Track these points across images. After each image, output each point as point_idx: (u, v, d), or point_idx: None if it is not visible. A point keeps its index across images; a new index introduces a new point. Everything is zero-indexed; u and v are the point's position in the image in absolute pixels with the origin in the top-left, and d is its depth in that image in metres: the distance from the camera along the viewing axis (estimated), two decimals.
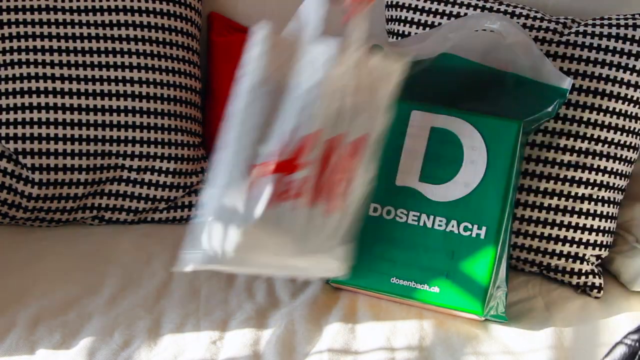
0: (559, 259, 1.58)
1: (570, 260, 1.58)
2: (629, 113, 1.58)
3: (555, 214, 1.57)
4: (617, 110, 1.58)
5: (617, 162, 1.58)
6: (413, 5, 1.67)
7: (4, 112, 1.58)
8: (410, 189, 1.47)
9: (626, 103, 1.58)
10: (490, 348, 1.38)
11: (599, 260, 1.60)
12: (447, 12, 1.65)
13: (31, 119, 1.58)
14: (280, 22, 1.63)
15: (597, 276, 1.58)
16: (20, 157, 1.57)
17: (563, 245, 1.57)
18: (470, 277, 1.43)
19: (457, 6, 1.65)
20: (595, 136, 1.57)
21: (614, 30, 1.59)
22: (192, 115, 1.69)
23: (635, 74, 1.57)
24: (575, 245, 1.57)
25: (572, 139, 1.57)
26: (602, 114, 1.58)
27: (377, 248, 1.46)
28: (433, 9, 1.66)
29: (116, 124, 1.62)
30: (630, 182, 1.63)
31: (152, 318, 1.36)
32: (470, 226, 1.45)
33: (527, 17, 1.63)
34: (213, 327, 1.35)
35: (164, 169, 1.65)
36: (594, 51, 1.58)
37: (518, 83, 1.50)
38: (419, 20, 1.66)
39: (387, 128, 1.44)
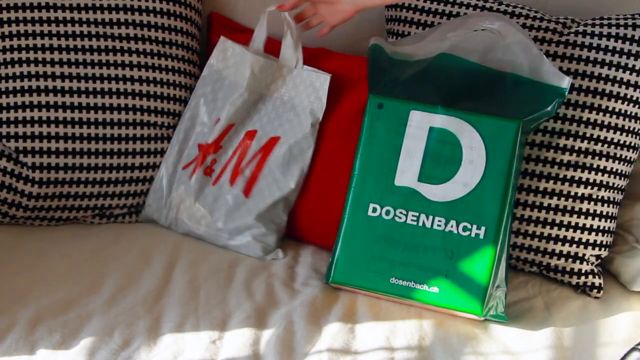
0: (559, 259, 1.58)
1: (570, 260, 1.58)
2: (629, 113, 1.58)
3: (555, 214, 1.57)
4: (617, 110, 1.58)
5: (617, 162, 1.58)
6: (413, 5, 1.67)
7: (4, 111, 1.58)
8: (409, 189, 1.47)
9: (626, 103, 1.57)
10: (490, 348, 1.38)
11: (599, 260, 1.60)
12: (447, 12, 1.65)
13: (31, 117, 1.58)
14: (280, 22, 1.64)
15: (597, 276, 1.58)
16: (20, 156, 1.58)
17: (563, 245, 1.57)
18: (469, 277, 1.43)
19: (457, 6, 1.65)
20: (595, 136, 1.57)
21: (613, 30, 1.59)
22: None
23: (635, 74, 1.57)
24: (575, 245, 1.57)
25: (572, 139, 1.57)
26: (602, 114, 1.58)
27: (377, 248, 1.46)
28: (433, 9, 1.66)
29: (116, 122, 1.62)
30: (630, 182, 1.63)
31: (152, 318, 1.36)
32: (469, 226, 1.45)
33: (527, 17, 1.63)
34: (212, 326, 1.35)
35: None
36: (593, 51, 1.58)
37: (517, 83, 1.49)
38: (419, 20, 1.66)
39: (383, 129, 1.46)
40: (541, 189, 1.57)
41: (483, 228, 1.44)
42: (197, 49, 1.74)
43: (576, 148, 1.57)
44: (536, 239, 1.58)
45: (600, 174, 1.57)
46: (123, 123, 1.63)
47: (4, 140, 1.57)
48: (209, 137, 1.63)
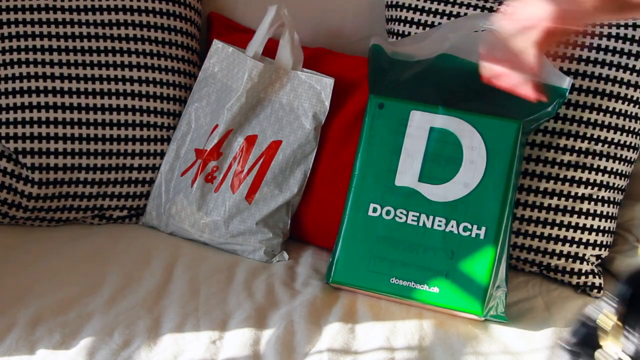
0: (559, 259, 1.58)
1: (570, 260, 1.58)
2: (629, 113, 1.58)
3: (555, 214, 1.57)
4: (617, 110, 1.58)
5: (617, 162, 1.58)
6: (413, 5, 1.67)
7: (3, 112, 1.58)
8: (409, 189, 1.47)
9: (626, 103, 1.58)
10: (490, 348, 1.38)
11: (599, 260, 1.60)
12: (447, 12, 1.65)
13: (31, 118, 1.58)
14: (279, 21, 1.63)
15: (597, 276, 1.58)
16: (20, 156, 1.57)
17: (563, 245, 1.57)
18: (470, 277, 1.43)
19: (457, 6, 1.65)
20: (595, 136, 1.57)
21: (614, 30, 1.59)
22: None
23: (635, 74, 1.57)
24: (575, 245, 1.57)
25: (572, 139, 1.57)
26: (602, 114, 1.58)
27: (377, 248, 1.46)
28: (433, 9, 1.66)
29: (116, 122, 1.62)
30: (630, 182, 1.63)
31: (152, 318, 1.36)
32: (469, 226, 1.45)
33: None
34: (213, 326, 1.35)
35: None
36: (593, 51, 1.58)
37: None
38: (419, 20, 1.66)
39: (383, 129, 1.46)
40: (541, 189, 1.57)
41: (483, 228, 1.44)
42: (197, 49, 1.74)
43: (576, 148, 1.57)
44: (536, 239, 1.58)
45: (600, 174, 1.58)
46: (122, 124, 1.63)
47: (3, 141, 1.57)
48: (207, 142, 1.62)
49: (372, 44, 1.56)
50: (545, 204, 1.57)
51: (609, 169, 1.58)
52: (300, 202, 1.63)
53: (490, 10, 1.65)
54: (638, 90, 1.58)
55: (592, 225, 1.58)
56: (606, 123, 1.58)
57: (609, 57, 1.58)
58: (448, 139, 1.47)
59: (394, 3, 1.70)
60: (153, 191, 1.65)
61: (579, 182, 1.57)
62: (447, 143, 1.47)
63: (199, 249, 1.59)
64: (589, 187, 1.57)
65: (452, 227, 1.45)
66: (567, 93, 1.47)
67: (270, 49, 1.65)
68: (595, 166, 1.57)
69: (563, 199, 1.57)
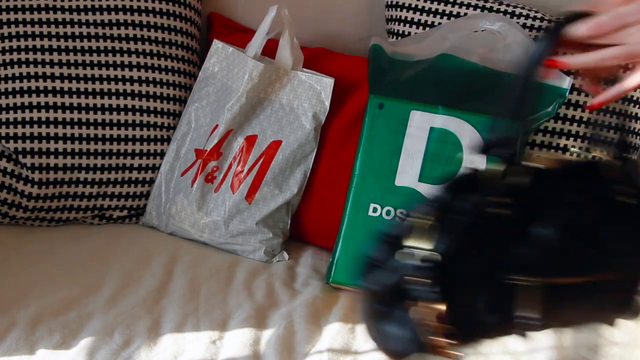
0: None
1: None
2: (628, 113, 1.58)
3: None
4: (617, 110, 1.58)
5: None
6: (413, 5, 1.67)
7: (3, 112, 1.58)
8: (409, 189, 1.47)
9: (626, 103, 1.57)
10: (490, 348, 1.38)
11: None
12: (447, 12, 1.65)
13: (31, 118, 1.58)
14: (279, 21, 1.63)
15: None
16: (20, 156, 1.57)
17: None
18: None
19: (457, 6, 1.65)
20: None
21: None
22: None
23: None
24: None
25: (572, 139, 1.57)
26: (602, 113, 1.57)
27: None
28: (433, 9, 1.66)
29: (116, 122, 1.62)
30: None
31: (152, 318, 1.36)
32: None
33: (527, 17, 1.63)
34: (213, 326, 1.35)
35: None
36: None
37: None
38: (419, 20, 1.66)
39: (383, 129, 1.46)
40: None
41: None
42: (197, 49, 1.74)
43: (576, 148, 1.57)
44: None
45: None
46: (122, 124, 1.63)
47: (3, 141, 1.57)
48: (207, 142, 1.62)
49: (372, 44, 1.56)
50: None
51: None
52: (300, 202, 1.63)
53: (490, 10, 1.65)
54: (638, 90, 1.57)
55: None
56: (606, 123, 1.57)
57: None
58: (448, 139, 1.47)
59: (394, 3, 1.70)
60: (153, 191, 1.65)
61: None
62: (447, 143, 1.47)
63: (199, 249, 1.59)
64: None
65: None
66: (567, 93, 1.47)
67: (270, 49, 1.65)
68: None
69: None
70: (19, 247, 1.54)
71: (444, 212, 0.96)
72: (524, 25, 1.62)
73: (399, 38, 1.68)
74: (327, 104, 1.61)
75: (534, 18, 1.63)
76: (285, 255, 1.60)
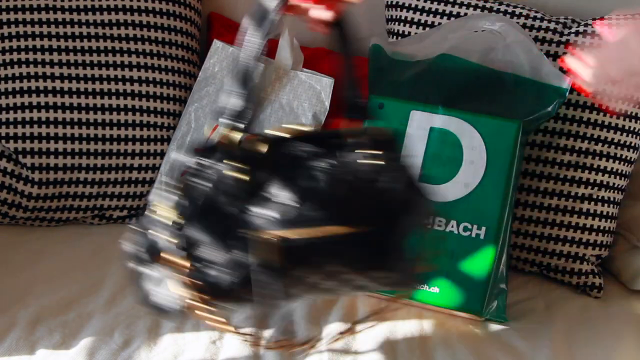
0: (559, 259, 1.58)
1: (570, 260, 1.58)
2: (629, 113, 1.58)
3: (555, 214, 1.57)
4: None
5: (617, 162, 1.58)
6: (413, 5, 1.67)
7: (3, 112, 1.58)
8: None
9: (626, 103, 1.57)
10: (490, 348, 1.38)
11: (599, 260, 1.60)
12: (447, 12, 1.65)
13: (31, 118, 1.58)
14: (279, 21, 1.63)
15: (597, 276, 1.58)
16: (20, 156, 1.57)
17: (563, 245, 1.57)
18: (470, 277, 1.43)
19: (457, 6, 1.65)
20: (595, 136, 1.57)
21: None
22: None
23: None
24: (575, 245, 1.57)
25: (572, 139, 1.57)
26: (602, 113, 1.58)
27: None
28: (433, 9, 1.66)
29: (116, 122, 1.62)
30: (630, 182, 1.63)
31: (152, 318, 1.36)
32: (470, 226, 1.45)
33: (527, 17, 1.63)
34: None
35: None
36: None
37: (518, 83, 1.50)
38: (419, 20, 1.66)
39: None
40: (541, 189, 1.57)
41: (483, 228, 1.44)
42: (197, 49, 1.74)
43: (576, 148, 1.57)
44: (536, 239, 1.58)
45: (600, 174, 1.58)
46: (122, 124, 1.63)
47: (3, 141, 1.57)
48: (207, 142, 1.62)
49: (373, 44, 1.56)
50: (545, 204, 1.57)
51: (609, 169, 1.58)
52: None
53: (490, 10, 1.65)
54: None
55: (592, 225, 1.58)
56: (606, 123, 1.58)
57: None
58: (448, 139, 1.47)
59: (394, 3, 1.70)
60: (152, 192, 1.65)
61: (579, 182, 1.57)
62: (447, 143, 1.47)
63: None
64: (589, 187, 1.57)
65: (452, 227, 1.45)
66: (567, 93, 1.47)
67: (270, 49, 1.65)
68: (595, 166, 1.57)
69: (563, 199, 1.57)
70: (19, 247, 1.54)
71: (189, 178, 1.09)
72: (524, 25, 1.62)
73: (399, 38, 1.68)
74: (327, 104, 1.61)
75: (534, 18, 1.63)
76: None
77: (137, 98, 1.64)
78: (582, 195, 1.57)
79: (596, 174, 1.57)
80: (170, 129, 1.66)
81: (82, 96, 1.61)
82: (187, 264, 1.06)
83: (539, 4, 1.71)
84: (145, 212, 1.11)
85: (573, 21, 1.64)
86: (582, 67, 1.18)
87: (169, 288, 1.08)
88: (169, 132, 1.66)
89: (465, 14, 1.64)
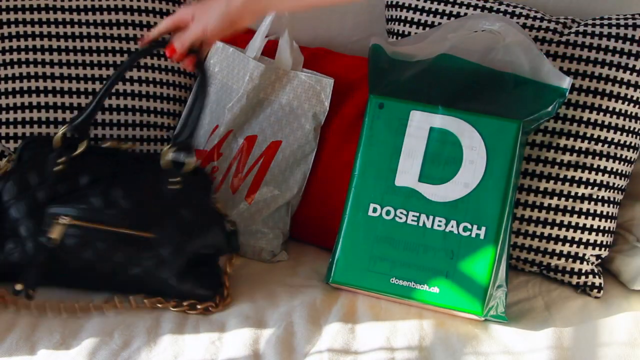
0: (559, 259, 1.58)
1: (570, 260, 1.58)
2: (629, 113, 1.58)
3: (555, 214, 1.57)
4: (617, 110, 1.58)
5: (617, 162, 1.58)
6: (413, 5, 1.67)
7: (3, 112, 1.58)
8: (409, 189, 1.47)
9: (626, 103, 1.57)
10: (490, 348, 1.38)
11: (599, 260, 1.60)
12: (447, 12, 1.65)
13: (31, 118, 1.58)
14: (278, 22, 1.63)
15: (597, 276, 1.58)
16: None
17: (563, 245, 1.57)
18: (470, 277, 1.43)
19: (457, 6, 1.65)
20: (595, 136, 1.57)
21: (614, 30, 1.59)
22: None
23: (635, 74, 1.57)
24: (575, 245, 1.57)
25: (572, 139, 1.57)
26: (602, 113, 1.58)
27: (377, 248, 1.46)
28: (433, 9, 1.66)
29: (116, 122, 1.62)
30: (630, 182, 1.63)
31: (152, 318, 1.36)
32: (469, 226, 1.45)
33: (527, 17, 1.63)
34: (212, 327, 1.35)
35: None
36: (594, 51, 1.58)
37: (518, 83, 1.50)
38: (419, 20, 1.66)
39: (383, 129, 1.46)
40: (541, 189, 1.57)
41: (483, 228, 1.44)
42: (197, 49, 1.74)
43: (576, 148, 1.57)
44: (536, 239, 1.58)
45: (600, 174, 1.57)
46: (122, 124, 1.63)
47: (3, 141, 1.57)
48: (207, 143, 1.62)
49: (372, 44, 1.56)
50: (545, 204, 1.57)
51: (609, 169, 1.58)
52: (300, 202, 1.63)
53: (490, 10, 1.65)
54: (638, 90, 1.58)
55: (592, 225, 1.58)
56: (606, 123, 1.58)
57: (609, 57, 1.58)
58: (448, 139, 1.47)
59: (394, 3, 1.70)
60: None
61: (579, 182, 1.57)
62: (447, 143, 1.47)
63: None
64: (589, 187, 1.57)
65: (452, 227, 1.45)
66: (567, 93, 1.47)
67: (270, 50, 1.65)
68: (595, 166, 1.57)
69: (563, 199, 1.57)
70: None
71: (17, 164, 1.41)
72: (524, 25, 1.62)
73: (399, 38, 1.68)
74: (327, 104, 1.61)
75: (534, 18, 1.63)
76: (285, 255, 1.60)
77: (137, 98, 1.64)
78: (582, 195, 1.57)
79: (596, 174, 1.57)
80: (170, 129, 1.66)
81: (82, 96, 1.61)
82: None
83: (539, 4, 1.71)
84: None
85: (573, 21, 1.64)
86: None
87: None
88: (168, 132, 1.66)
89: (465, 14, 1.64)
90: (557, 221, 1.57)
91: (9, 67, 1.59)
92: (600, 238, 1.58)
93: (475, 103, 1.48)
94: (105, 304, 1.38)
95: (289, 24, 1.62)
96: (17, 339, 1.28)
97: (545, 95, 1.48)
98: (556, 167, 1.57)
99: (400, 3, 1.68)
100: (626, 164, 1.60)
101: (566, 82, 1.47)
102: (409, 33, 1.67)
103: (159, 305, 1.40)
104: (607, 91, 1.57)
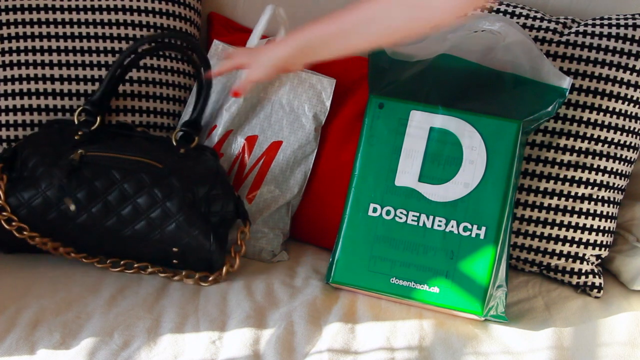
0: (559, 259, 1.58)
1: (570, 260, 1.58)
2: (629, 113, 1.58)
3: (555, 214, 1.57)
4: (617, 110, 1.58)
5: (617, 162, 1.58)
6: None
7: (2, 114, 1.57)
8: (409, 189, 1.47)
9: (626, 103, 1.58)
10: (490, 348, 1.38)
11: (599, 260, 1.60)
12: None
13: (31, 120, 1.58)
14: (276, 21, 1.63)
15: (597, 276, 1.58)
16: None
17: (563, 245, 1.57)
18: (470, 277, 1.43)
19: None
20: (595, 136, 1.57)
21: (614, 30, 1.59)
22: None
23: (635, 74, 1.57)
24: (575, 245, 1.57)
25: (572, 139, 1.57)
26: (602, 114, 1.58)
27: (377, 248, 1.46)
28: None
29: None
30: (630, 182, 1.63)
31: (152, 318, 1.36)
32: (469, 226, 1.45)
33: (527, 17, 1.64)
34: (212, 327, 1.35)
35: None
36: (594, 51, 1.59)
37: (517, 83, 1.50)
38: None
39: (383, 129, 1.46)
40: (541, 189, 1.57)
41: (483, 228, 1.44)
42: None
43: (576, 148, 1.57)
44: (536, 239, 1.58)
45: (600, 174, 1.58)
46: None
47: (4, 144, 1.57)
48: (207, 143, 1.62)
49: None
50: (545, 204, 1.57)
51: (609, 169, 1.58)
52: (300, 202, 1.63)
53: (490, 10, 1.65)
54: (638, 90, 1.58)
55: (592, 225, 1.58)
56: (606, 123, 1.58)
57: (609, 57, 1.58)
58: (448, 139, 1.47)
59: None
60: None
61: (579, 182, 1.57)
62: (447, 143, 1.47)
63: None
64: (589, 187, 1.57)
65: (452, 227, 1.45)
66: (567, 93, 1.47)
67: None
68: (595, 166, 1.57)
69: (563, 199, 1.57)
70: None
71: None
72: (524, 25, 1.62)
73: None
74: (328, 104, 1.61)
75: (534, 18, 1.63)
76: (285, 255, 1.60)
77: (136, 98, 1.64)
78: (582, 195, 1.57)
79: (596, 174, 1.57)
80: (170, 129, 1.66)
81: (82, 98, 1.61)
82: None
83: (539, 4, 1.71)
84: None
85: (573, 21, 1.64)
86: None
87: None
88: (168, 132, 1.66)
89: (465, 14, 1.64)
90: (557, 221, 1.57)
91: (7, 68, 1.59)
92: (600, 238, 1.58)
93: (475, 103, 1.48)
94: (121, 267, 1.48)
95: (285, 23, 1.62)
96: (17, 339, 1.27)
97: (545, 95, 1.48)
98: (556, 167, 1.57)
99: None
100: (626, 164, 1.60)
101: (566, 82, 1.47)
102: None
103: (176, 278, 1.48)
104: (607, 91, 1.57)
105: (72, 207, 1.41)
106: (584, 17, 1.66)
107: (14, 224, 1.43)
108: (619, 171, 1.59)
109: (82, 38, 1.63)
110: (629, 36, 1.59)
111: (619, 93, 1.57)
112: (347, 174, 1.52)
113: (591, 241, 1.58)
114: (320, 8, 1.81)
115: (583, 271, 1.58)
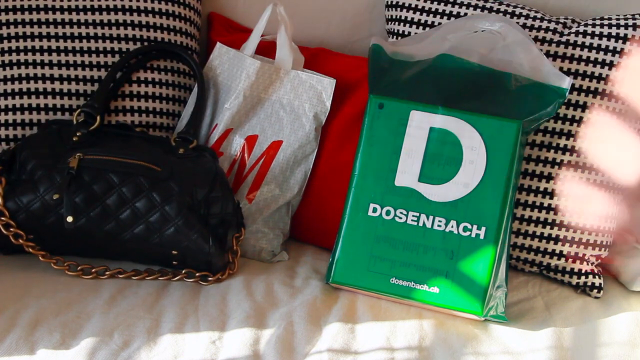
0: (559, 259, 1.58)
1: (570, 260, 1.58)
2: None
3: (555, 214, 1.57)
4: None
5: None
6: (413, 5, 1.67)
7: (2, 114, 1.57)
8: (409, 189, 1.47)
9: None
10: (490, 348, 1.38)
11: (599, 260, 1.60)
12: (447, 12, 1.65)
13: (30, 120, 1.58)
14: (276, 21, 1.63)
15: (597, 276, 1.58)
16: None
17: (563, 245, 1.57)
18: (469, 277, 1.43)
19: (457, 6, 1.65)
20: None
21: (614, 30, 1.59)
22: None
23: None
24: (575, 245, 1.57)
25: (572, 139, 1.57)
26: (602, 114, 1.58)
27: (377, 248, 1.46)
28: (433, 9, 1.66)
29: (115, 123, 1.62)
30: None
31: (152, 318, 1.36)
32: (469, 226, 1.45)
33: (527, 17, 1.63)
34: (212, 327, 1.35)
35: None
36: (594, 51, 1.58)
37: (517, 83, 1.49)
38: (419, 20, 1.66)
39: (383, 129, 1.46)
40: (541, 189, 1.57)
41: (483, 228, 1.44)
42: (197, 49, 1.74)
43: (576, 148, 1.57)
44: (536, 239, 1.58)
45: (600, 174, 1.57)
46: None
47: (3, 143, 1.57)
48: (207, 142, 1.62)
49: (373, 44, 1.56)
50: (545, 204, 1.57)
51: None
52: (300, 202, 1.63)
53: (490, 10, 1.65)
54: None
55: (592, 225, 1.58)
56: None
57: (609, 57, 1.58)
58: (448, 139, 1.47)
59: (394, 3, 1.70)
60: None
61: (579, 182, 1.57)
62: (447, 143, 1.47)
63: None
64: (589, 187, 1.57)
65: (452, 227, 1.45)
66: (567, 93, 1.47)
67: (271, 50, 1.65)
68: (595, 166, 1.57)
69: (563, 199, 1.57)
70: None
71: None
72: (524, 25, 1.62)
73: (399, 38, 1.68)
74: (328, 104, 1.61)
75: (534, 18, 1.63)
76: (285, 255, 1.60)
77: (136, 99, 1.64)
78: (582, 195, 1.57)
79: (596, 174, 1.57)
80: (170, 129, 1.66)
81: (82, 98, 1.61)
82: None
83: (539, 4, 1.71)
84: None
85: (573, 21, 1.64)
86: None
87: None
88: (168, 133, 1.66)
89: (465, 14, 1.64)
90: (557, 221, 1.57)
91: (7, 68, 1.59)
92: (600, 238, 1.58)
93: (475, 103, 1.48)
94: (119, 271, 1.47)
95: (285, 23, 1.62)
96: (17, 339, 1.27)
97: (545, 95, 1.48)
98: (556, 167, 1.57)
99: (400, 3, 1.68)
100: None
101: (566, 82, 1.47)
102: (409, 33, 1.67)
103: (175, 279, 1.48)
104: (607, 91, 1.57)
105: (70, 219, 1.41)
106: (584, 17, 1.66)
107: (11, 229, 1.43)
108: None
109: (82, 38, 1.63)
110: (629, 36, 1.58)
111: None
112: (347, 174, 1.52)
113: (591, 241, 1.58)
114: (320, 7, 1.82)
115: (583, 271, 1.58)
